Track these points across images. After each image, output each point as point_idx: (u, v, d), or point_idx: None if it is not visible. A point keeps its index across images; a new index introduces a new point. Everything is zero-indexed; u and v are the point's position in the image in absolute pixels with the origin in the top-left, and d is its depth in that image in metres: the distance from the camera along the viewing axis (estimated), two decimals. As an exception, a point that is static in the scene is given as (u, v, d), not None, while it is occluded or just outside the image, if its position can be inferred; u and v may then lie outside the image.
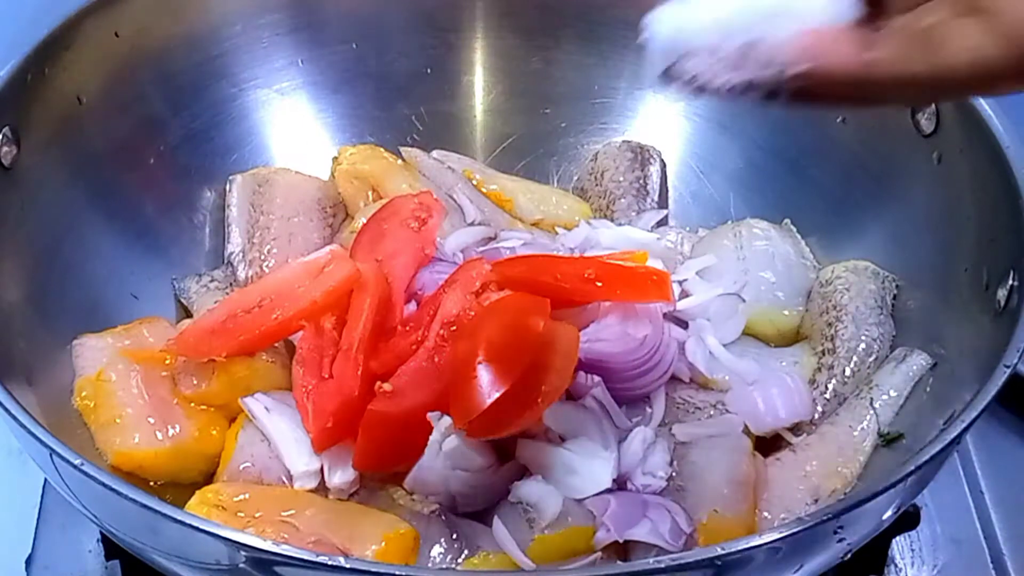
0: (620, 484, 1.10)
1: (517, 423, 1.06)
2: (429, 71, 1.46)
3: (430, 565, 1.04)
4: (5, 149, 1.15)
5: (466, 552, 1.05)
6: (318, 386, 1.13)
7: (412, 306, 1.22)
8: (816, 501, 1.11)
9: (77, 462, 0.90)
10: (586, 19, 1.44)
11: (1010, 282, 1.06)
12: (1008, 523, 1.25)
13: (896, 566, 1.21)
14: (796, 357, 1.24)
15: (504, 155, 1.48)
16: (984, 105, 1.16)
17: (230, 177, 1.37)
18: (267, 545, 0.84)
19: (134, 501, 0.87)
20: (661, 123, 1.45)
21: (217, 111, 1.39)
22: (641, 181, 1.40)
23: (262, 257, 1.31)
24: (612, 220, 1.37)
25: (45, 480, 1.22)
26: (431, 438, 1.07)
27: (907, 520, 1.16)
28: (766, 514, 1.09)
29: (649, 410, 1.17)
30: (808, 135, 1.36)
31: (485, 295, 1.15)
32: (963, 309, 1.14)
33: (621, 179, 1.40)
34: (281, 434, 1.13)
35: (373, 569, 0.84)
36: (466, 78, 1.48)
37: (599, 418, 1.12)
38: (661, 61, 0.81)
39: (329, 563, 0.83)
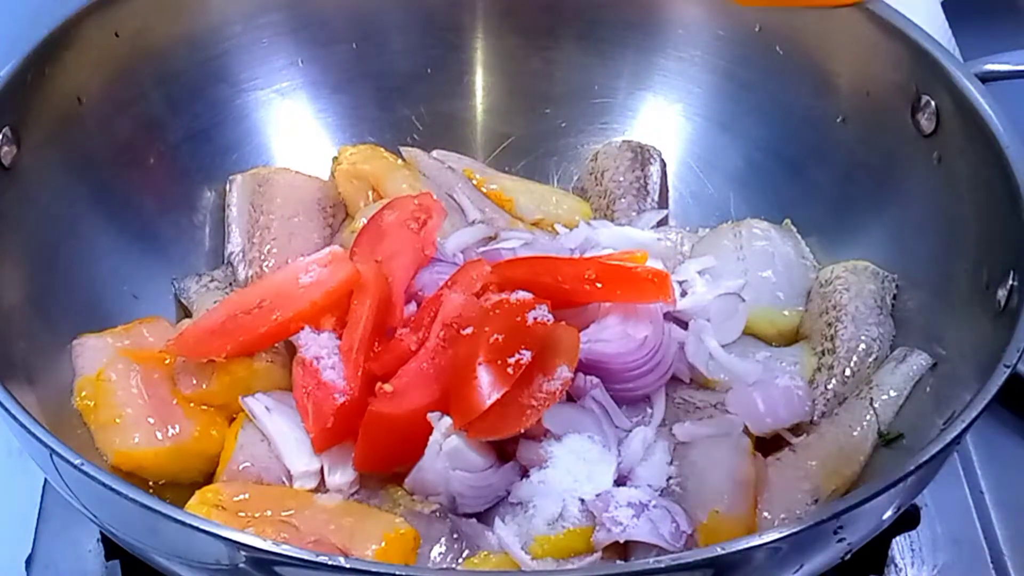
0: (620, 484, 1.10)
1: (517, 424, 1.06)
2: (429, 71, 1.46)
3: (430, 565, 1.04)
4: (5, 149, 1.15)
5: (466, 552, 1.05)
6: (318, 386, 1.13)
7: (412, 307, 1.22)
8: (816, 501, 1.11)
9: (77, 462, 0.90)
10: (586, 19, 1.44)
11: (1010, 282, 1.06)
12: (1008, 523, 1.25)
13: (896, 566, 1.21)
14: (796, 357, 1.24)
15: (504, 155, 1.48)
16: (984, 105, 1.16)
17: (230, 177, 1.37)
18: (267, 545, 0.84)
19: (134, 501, 0.87)
20: (661, 123, 1.45)
21: (217, 111, 1.39)
22: (641, 181, 1.40)
23: (262, 257, 1.31)
24: (612, 220, 1.37)
25: (45, 480, 1.22)
26: (431, 438, 1.07)
27: (907, 520, 1.16)
28: (766, 514, 1.09)
29: (649, 410, 1.17)
30: (808, 135, 1.36)
31: (485, 296, 1.15)
32: (963, 309, 1.14)
33: (621, 179, 1.40)
34: (281, 434, 1.13)
35: (373, 569, 0.84)
36: (466, 78, 1.48)
37: (599, 419, 1.12)
38: None
39: (329, 563, 0.83)
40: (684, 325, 1.24)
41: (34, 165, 1.18)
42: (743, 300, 1.25)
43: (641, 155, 1.41)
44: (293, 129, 1.44)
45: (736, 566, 0.87)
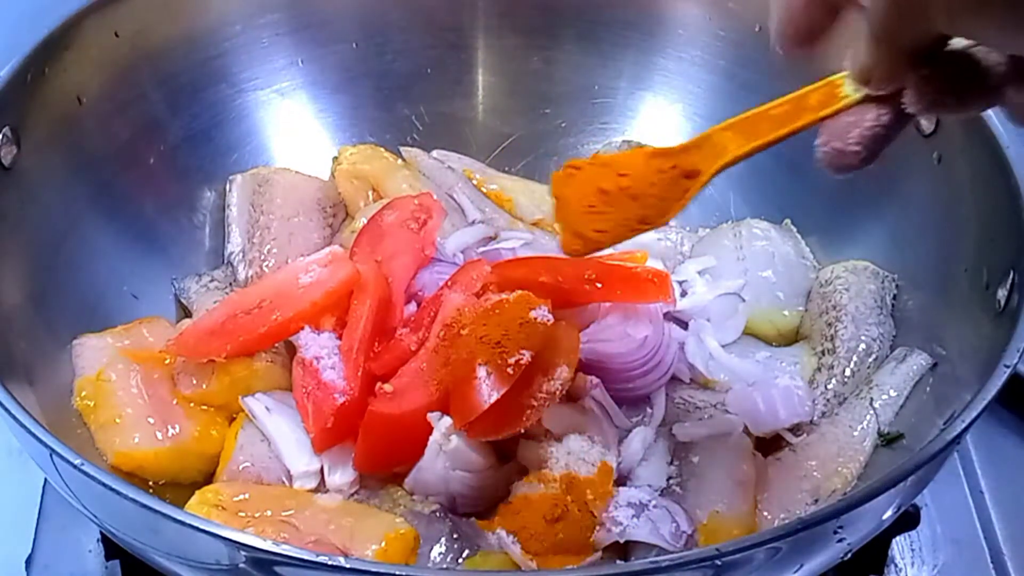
0: (620, 484, 1.10)
1: (517, 424, 1.06)
2: (429, 71, 1.46)
3: (430, 565, 1.04)
4: (5, 149, 1.14)
5: (466, 552, 1.05)
6: (318, 386, 1.13)
7: (412, 307, 1.22)
8: (816, 501, 1.11)
9: (77, 462, 0.90)
10: (586, 19, 1.44)
11: (1010, 282, 1.06)
12: (1008, 523, 1.25)
13: (896, 566, 1.21)
14: (796, 357, 1.24)
15: (504, 155, 1.48)
16: (984, 105, 1.16)
17: (230, 177, 1.37)
18: (267, 545, 0.84)
19: (134, 501, 0.87)
20: (661, 123, 1.45)
21: (217, 111, 1.39)
22: (641, 181, 1.40)
23: (262, 257, 1.31)
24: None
25: (45, 480, 1.22)
26: (431, 438, 1.07)
27: (907, 520, 1.16)
28: (766, 514, 1.09)
29: (649, 410, 1.17)
30: (808, 135, 1.36)
31: (485, 296, 1.15)
32: (963, 309, 1.14)
33: (621, 179, 1.40)
34: (281, 434, 1.13)
35: (373, 569, 0.84)
36: (466, 78, 1.48)
37: (599, 419, 1.12)
38: None
39: (329, 563, 0.83)
40: (684, 325, 1.24)
41: (34, 165, 1.17)
42: (743, 300, 1.25)
43: (641, 155, 1.41)
44: (293, 129, 1.44)
45: (736, 566, 0.87)
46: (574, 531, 1.04)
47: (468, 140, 1.48)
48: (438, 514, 1.07)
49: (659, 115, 1.45)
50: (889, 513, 0.98)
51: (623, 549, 1.04)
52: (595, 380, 1.14)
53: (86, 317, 1.20)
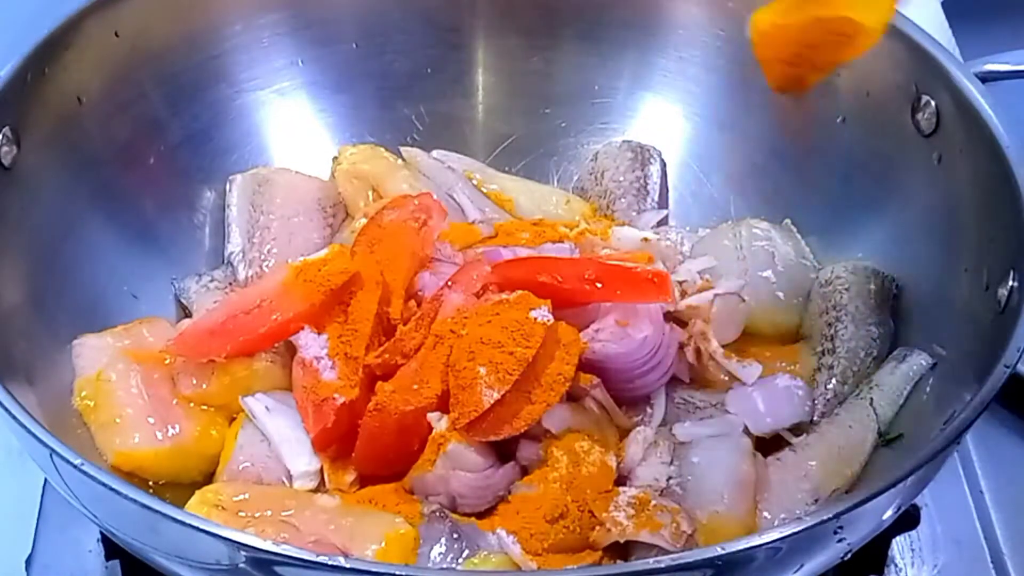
0: (620, 484, 1.10)
1: (517, 424, 1.06)
2: (429, 71, 1.46)
3: (430, 565, 1.04)
4: (5, 149, 1.15)
5: (466, 552, 1.05)
6: (318, 386, 1.12)
7: (412, 307, 1.22)
8: (816, 501, 1.11)
9: (77, 462, 0.90)
10: (586, 19, 1.44)
11: (1010, 282, 1.06)
12: (1008, 523, 1.25)
13: (896, 566, 1.21)
14: (796, 357, 1.24)
15: (504, 155, 1.48)
16: (984, 105, 1.16)
17: (230, 177, 1.37)
18: (267, 545, 0.84)
19: (134, 501, 0.87)
20: (661, 123, 1.45)
21: (217, 111, 1.39)
22: (641, 181, 1.40)
23: (262, 257, 1.31)
24: (612, 220, 1.37)
25: (45, 480, 1.22)
26: (431, 438, 1.07)
27: (907, 520, 1.16)
28: (766, 514, 1.09)
29: (650, 410, 1.17)
30: (808, 135, 1.36)
31: (485, 296, 1.15)
32: (963, 309, 1.14)
33: (621, 179, 1.40)
34: (281, 434, 1.13)
35: (373, 569, 0.84)
36: (466, 78, 1.48)
37: (599, 419, 1.12)
38: None
39: (329, 563, 0.83)
40: (684, 325, 1.24)
41: (34, 165, 1.18)
42: (743, 300, 1.25)
43: (641, 155, 1.41)
44: (293, 129, 1.44)
45: (736, 566, 0.87)
46: (574, 531, 1.04)
47: (468, 140, 1.48)
48: (438, 514, 1.07)
49: (659, 115, 1.45)
50: (889, 513, 0.98)
51: (623, 549, 1.04)
52: (595, 380, 1.14)
53: (86, 317, 1.20)
